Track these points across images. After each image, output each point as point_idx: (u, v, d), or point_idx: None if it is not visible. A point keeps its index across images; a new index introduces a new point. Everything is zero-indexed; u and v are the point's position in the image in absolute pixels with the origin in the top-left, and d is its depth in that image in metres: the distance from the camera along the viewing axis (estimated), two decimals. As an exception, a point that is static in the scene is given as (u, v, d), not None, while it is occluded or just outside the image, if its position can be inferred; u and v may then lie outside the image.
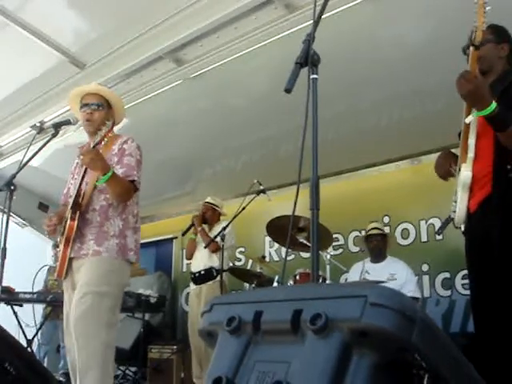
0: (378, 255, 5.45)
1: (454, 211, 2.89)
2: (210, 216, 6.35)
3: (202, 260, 6.14)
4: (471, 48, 2.59)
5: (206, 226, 6.29)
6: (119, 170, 3.37)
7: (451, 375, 1.31)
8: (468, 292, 5.44)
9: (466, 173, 2.72)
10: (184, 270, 8.38)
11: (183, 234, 6.63)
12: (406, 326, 1.21)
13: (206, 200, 6.46)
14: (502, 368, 2.55)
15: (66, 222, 3.36)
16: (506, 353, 2.55)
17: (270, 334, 1.38)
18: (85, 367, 3.09)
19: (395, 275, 5.08)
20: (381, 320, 1.20)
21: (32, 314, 5.87)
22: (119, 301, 3.38)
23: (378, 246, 5.46)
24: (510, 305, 2.55)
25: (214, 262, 6.01)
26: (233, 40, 4.42)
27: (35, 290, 6.27)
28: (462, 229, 2.93)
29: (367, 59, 4.60)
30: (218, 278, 5.83)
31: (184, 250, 7.93)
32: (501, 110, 2.48)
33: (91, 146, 3.33)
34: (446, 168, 2.98)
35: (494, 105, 2.46)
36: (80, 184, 3.44)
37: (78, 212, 3.35)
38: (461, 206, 2.79)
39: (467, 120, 2.65)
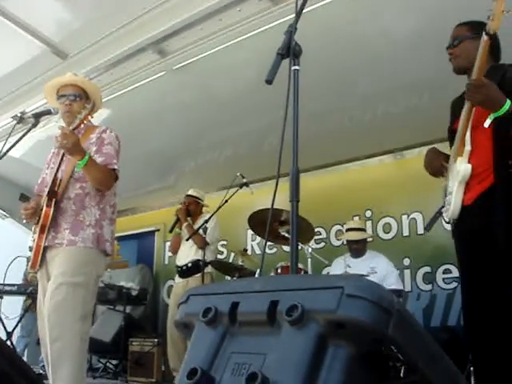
0: (357, 253, 5.46)
1: (443, 206, 2.86)
2: (193, 209, 6.26)
3: (188, 254, 6.07)
4: (485, 37, 2.46)
5: (189, 220, 6.22)
6: (98, 159, 3.35)
7: (428, 367, 1.31)
8: (449, 286, 5.57)
9: (465, 165, 2.67)
10: (166, 262, 8.35)
11: (170, 231, 6.40)
12: (382, 318, 1.21)
13: (189, 193, 6.35)
14: (499, 365, 2.55)
15: (42, 209, 3.32)
16: (501, 347, 2.55)
17: (246, 325, 1.37)
18: (58, 359, 3.06)
19: (375, 268, 5.11)
20: (357, 311, 1.19)
21: (13, 307, 5.83)
22: (94, 292, 3.35)
23: (356, 249, 5.46)
24: (509, 299, 2.53)
25: (200, 254, 5.91)
26: (217, 32, 4.39)
27: (16, 283, 6.24)
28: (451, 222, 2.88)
29: (351, 54, 4.59)
30: (205, 270, 5.76)
31: (166, 243, 7.91)
32: None
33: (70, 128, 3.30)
34: (438, 165, 2.93)
35: (508, 102, 2.43)
36: (56, 172, 3.41)
37: (53, 199, 3.30)
38: (456, 199, 2.73)
39: (486, 124, 2.53)
